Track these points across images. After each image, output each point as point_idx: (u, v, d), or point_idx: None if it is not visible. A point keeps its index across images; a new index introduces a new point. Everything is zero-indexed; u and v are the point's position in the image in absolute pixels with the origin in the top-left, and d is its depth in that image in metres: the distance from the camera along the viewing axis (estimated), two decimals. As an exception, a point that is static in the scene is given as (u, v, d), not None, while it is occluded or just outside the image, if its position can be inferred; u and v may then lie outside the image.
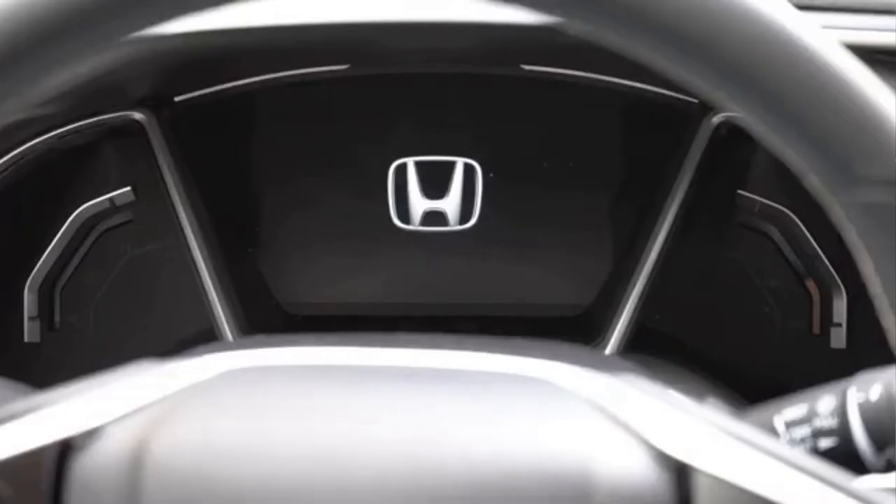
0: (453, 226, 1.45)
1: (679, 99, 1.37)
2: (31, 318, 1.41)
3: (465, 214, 1.46)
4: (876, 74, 0.57)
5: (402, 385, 0.68)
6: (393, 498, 0.60)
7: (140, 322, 1.43)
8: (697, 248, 1.39)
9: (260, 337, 1.33)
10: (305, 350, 0.72)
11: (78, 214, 1.41)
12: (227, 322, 1.33)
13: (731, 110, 0.57)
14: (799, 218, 1.36)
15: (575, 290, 1.46)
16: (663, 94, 1.38)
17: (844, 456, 0.74)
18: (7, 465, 0.63)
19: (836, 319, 1.37)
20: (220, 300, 1.33)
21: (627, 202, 1.44)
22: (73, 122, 1.33)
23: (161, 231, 1.40)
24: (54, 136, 1.33)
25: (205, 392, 0.66)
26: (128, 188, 1.41)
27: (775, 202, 1.37)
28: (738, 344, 1.40)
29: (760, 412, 0.78)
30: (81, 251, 1.42)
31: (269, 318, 1.44)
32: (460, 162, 1.45)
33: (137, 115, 1.35)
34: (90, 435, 0.64)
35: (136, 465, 0.62)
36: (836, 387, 0.77)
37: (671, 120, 1.38)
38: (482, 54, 1.40)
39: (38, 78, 0.58)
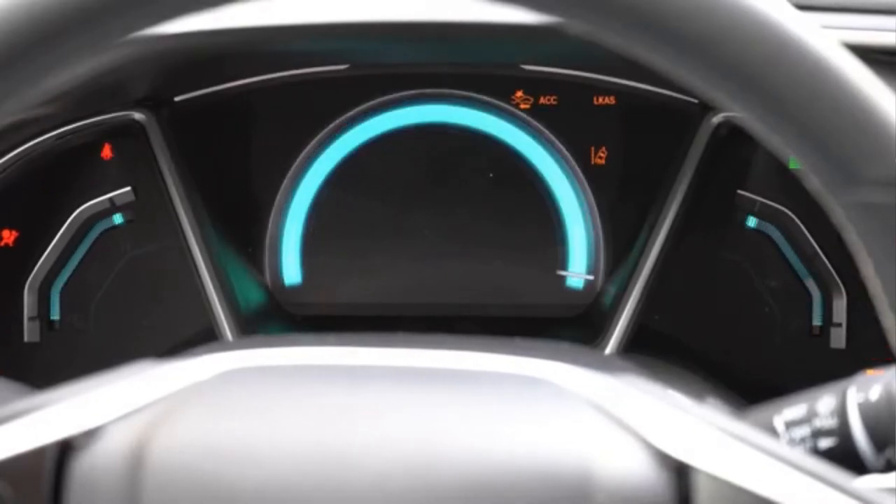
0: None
1: (679, 99, 1.37)
2: (30, 318, 1.41)
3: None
4: (875, 74, 0.57)
5: (402, 385, 0.68)
6: (393, 497, 0.60)
7: (140, 322, 1.43)
8: (697, 248, 1.39)
9: (259, 337, 1.33)
10: (304, 350, 0.72)
11: (78, 214, 1.41)
12: (227, 322, 1.33)
13: (731, 110, 0.57)
14: (799, 218, 1.37)
15: (575, 291, 1.46)
16: (663, 94, 1.38)
17: (844, 456, 0.74)
18: (7, 465, 0.63)
19: (836, 319, 1.37)
20: (219, 300, 1.34)
21: (627, 202, 1.44)
22: (73, 122, 1.33)
23: (161, 231, 1.40)
24: (54, 136, 1.33)
25: (204, 392, 0.66)
26: (128, 188, 1.41)
27: (775, 202, 1.37)
28: (738, 344, 1.40)
29: (760, 412, 0.78)
30: (81, 251, 1.42)
31: (269, 318, 1.44)
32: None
33: (137, 115, 1.36)
34: (90, 435, 0.64)
35: (135, 464, 0.62)
36: (836, 387, 0.77)
37: (671, 120, 1.38)
38: (482, 54, 1.40)
39: (38, 78, 0.58)
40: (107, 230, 1.43)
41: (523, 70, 1.43)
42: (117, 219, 1.42)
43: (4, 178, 1.32)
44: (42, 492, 0.62)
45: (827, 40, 0.56)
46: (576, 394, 0.66)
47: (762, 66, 0.55)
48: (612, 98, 1.45)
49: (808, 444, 0.75)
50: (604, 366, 0.71)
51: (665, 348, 1.36)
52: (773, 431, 0.76)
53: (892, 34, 1.13)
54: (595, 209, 1.46)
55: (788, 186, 1.37)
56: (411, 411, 0.65)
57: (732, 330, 1.40)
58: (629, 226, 1.41)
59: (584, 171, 1.45)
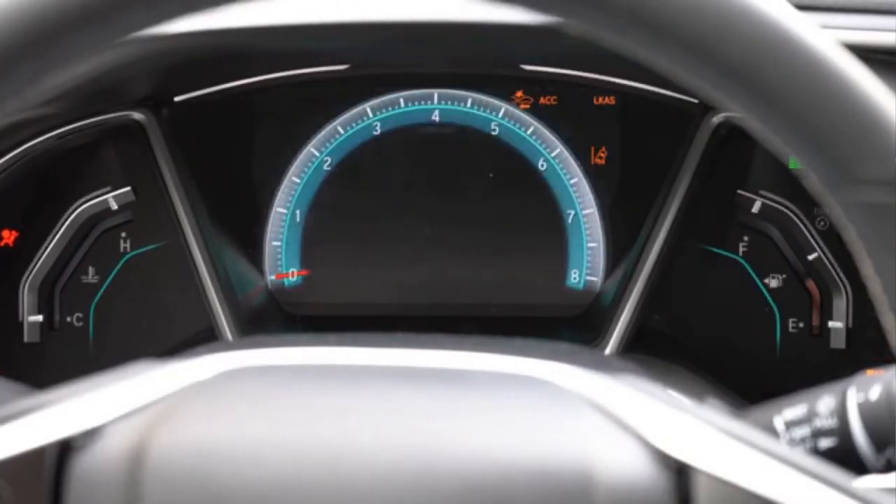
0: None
1: (679, 99, 1.37)
2: (31, 318, 1.41)
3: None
4: (875, 74, 0.57)
5: (402, 385, 0.68)
6: (392, 497, 0.60)
7: (140, 322, 1.43)
8: (697, 247, 1.39)
9: (259, 337, 1.33)
10: (304, 350, 0.72)
11: (78, 214, 1.41)
12: (227, 322, 1.33)
13: (731, 110, 0.57)
14: (799, 218, 1.37)
15: (575, 291, 1.46)
16: (663, 94, 1.38)
17: (844, 456, 0.74)
18: (7, 465, 0.63)
19: (836, 319, 1.37)
20: (219, 300, 1.34)
21: (627, 202, 1.44)
22: (73, 122, 1.33)
23: (161, 231, 1.40)
24: (54, 136, 1.33)
25: (204, 392, 0.66)
26: (128, 188, 1.41)
27: (775, 202, 1.37)
28: (738, 344, 1.40)
29: (760, 412, 0.78)
30: (81, 251, 1.42)
31: (269, 318, 1.44)
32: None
33: (137, 115, 1.36)
34: (90, 435, 0.64)
35: (135, 464, 0.62)
36: (836, 387, 0.77)
37: (671, 120, 1.38)
38: (482, 54, 1.40)
39: (38, 78, 0.58)
40: (107, 230, 1.43)
41: (523, 70, 1.43)
42: (117, 219, 1.42)
43: (4, 178, 1.32)
44: (42, 492, 0.62)
45: (826, 40, 0.56)
46: (576, 394, 0.66)
47: (762, 65, 0.55)
48: (612, 98, 1.45)
49: (808, 444, 0.75)
50: (604, 366, 0.71)
51: (665, 348, 1.36)
52: (773, 431, 0.76)
53: (892, 34, 1.13)
54: (595, 209, 1.46)
55: (788, 186, 1.37)
56: (411, 411, 0.65)
57: (732, 330, 1.40)
58: (629, 226, 1.41)
59: (584, 171, 1.46)
